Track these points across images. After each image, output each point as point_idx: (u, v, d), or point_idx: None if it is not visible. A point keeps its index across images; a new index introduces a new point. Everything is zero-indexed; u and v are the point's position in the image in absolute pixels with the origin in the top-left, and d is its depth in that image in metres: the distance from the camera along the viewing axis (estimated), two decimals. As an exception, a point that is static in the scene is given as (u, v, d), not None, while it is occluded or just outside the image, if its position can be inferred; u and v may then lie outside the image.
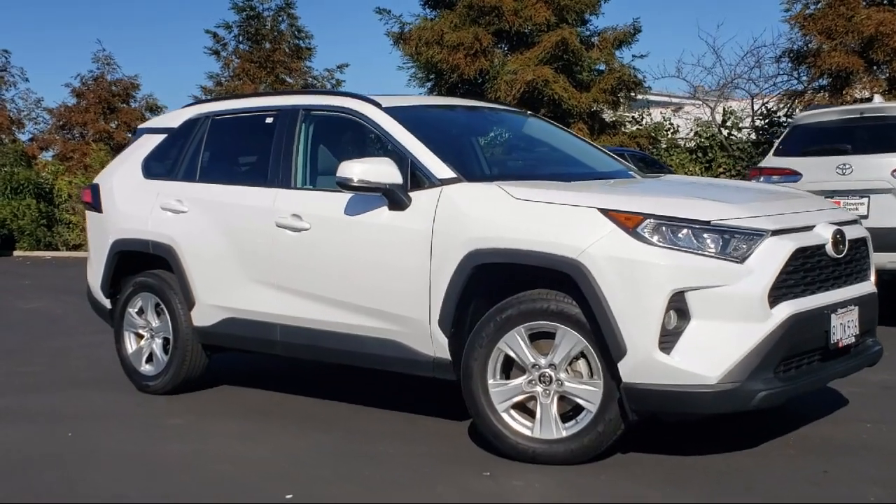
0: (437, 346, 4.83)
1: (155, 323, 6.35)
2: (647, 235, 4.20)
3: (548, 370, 4.46)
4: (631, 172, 5.89)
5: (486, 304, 4.73)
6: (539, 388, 4.48)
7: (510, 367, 4.61)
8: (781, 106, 15.31)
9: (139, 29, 57.85)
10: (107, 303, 6.67)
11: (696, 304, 4.12)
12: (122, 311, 6.51)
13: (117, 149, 24.50)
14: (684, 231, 4.20)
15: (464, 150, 5.62)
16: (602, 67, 17.09)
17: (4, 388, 6.74)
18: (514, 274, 4.61)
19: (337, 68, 22.70)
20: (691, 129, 16.46)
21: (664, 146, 16.44)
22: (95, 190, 6.77)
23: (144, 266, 6.41)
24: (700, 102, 16.56)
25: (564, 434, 4.43)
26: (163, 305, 6.24)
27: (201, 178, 6.16)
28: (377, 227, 5.05)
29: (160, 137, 6.58)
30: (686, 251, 4.16)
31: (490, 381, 4.58)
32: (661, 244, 4.18)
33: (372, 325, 5.12)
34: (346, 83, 22.59)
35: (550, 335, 4.47)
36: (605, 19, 28.58)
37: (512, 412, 4.56)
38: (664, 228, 4.21)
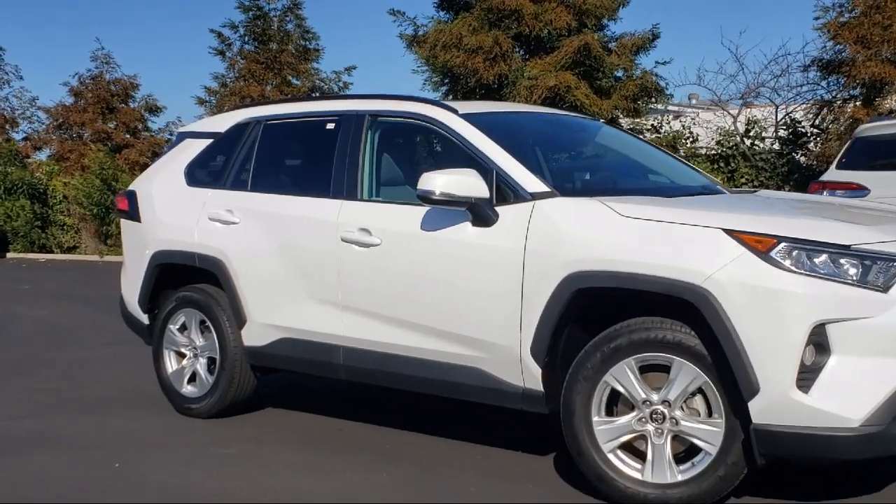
0: (528, 375, 4.43)
1: (199, 341, 5.92)
2: (781, 260, 3.80)
3: (660, 407, 4.05)
4: (719, 187, 5.49)
5: (581, 332, 4.34)
6: (650, 427, 4.08)
7: (615, 403, 4.20)
8: (810, 116, 14.95)
9: (138, 28, 57.03)
10: (144, 318, 6.23)
11: (838, 337, 3.73)
12: (161, 328, 6.07)
13: (116, 150, 24.03)
14: (822, 256, 3.81)
15: (551, 161, 5.22)
16: (619, 74, 16.72)
17: (29, 408, 6.30)
18: (620, 299, 4.21)
19: (345, 70, 22.24)
20: (712, 139, 16.10)
21: (683, 154, 16.08)
22: (132, 197, 6.33)
23: (187, 280, 6.00)
24: (721, 111, 16.18)
25: (680, 478, 4.02)
26: (208, 323, 5.82)
27: (254, 188, 5.74)
28: (459, 244, 4.64)
29: (204, 142, 6.15)
30: (825, 279, 3.76)
31: (595, 418, 4.17)
32: (798, 270, 3.78)
33: (451, 351, 4.71)
34: (353, 86, 22.15)
35: (663, 368, 4.07)
36: (622, 25, 27.99)
37: (619, 452, 4.15)
38: (800, 253, 3.81)
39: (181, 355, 6.04)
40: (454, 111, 5.02)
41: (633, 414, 4.11)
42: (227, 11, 32.34)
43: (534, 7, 15.36)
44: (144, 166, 24.69)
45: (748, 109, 16.15)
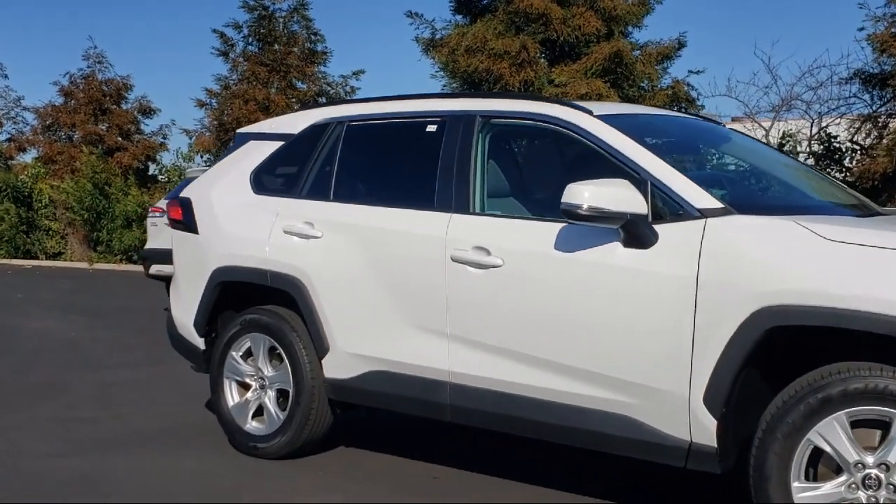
0: (697, 428, 3.72)
1: (268, 371, 5.18)
2: None
3: (876, 471, 3.36)
4: (872, 204, 4.83)
5: (758, 377, 3.66)
6: (862, 495, 3.39)
7: (814, 464, 3.50)
8: (852, 130, 14.34)
9: (132, 27, 55.45)
10: (199, 342, 5.49)
11: None
12: (222, 355, 5.33)
13: (108, 153, 23.15)
14: None
15: (712, 172, 4.53)
16: (644, 84, 16.11)
17: (67, 443, 5.54)
18: (817, 339, 3.53)
19: (353, 74, 21.45)
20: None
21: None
22: (187, 206, 5.59)
23: (254, 300, 5.27)
24: (752, 123, 15.58)
25: (901, 559, 3.33)
26: (280, 350, 5.08)
27: (337, 197, 5.02)
28: (607, 268, 3.94)
29: (273, 145, 5.43)
30: None
31: (794, 484, 3.48)
32: None
33: (592, 395, 4.01)
34: (361, 91, 21.38)
35: (876, 424, 3.38)
36: (646, 33, 27.34)
37: (823, 526, 3.46)
38: None
39: (245, 386, 5.31)
40: (589, 112, 4.33)
41: (842, 479, 3.42)
42: (230, 11, 31.29)
43: (562, 11, 14.74)
44: (138, 171, 23.88)
45: (781, 122, 15.53)
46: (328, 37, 20.44)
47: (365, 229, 4.78)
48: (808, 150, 15.06)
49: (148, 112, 24.78)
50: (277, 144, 5.41)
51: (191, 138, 21.74)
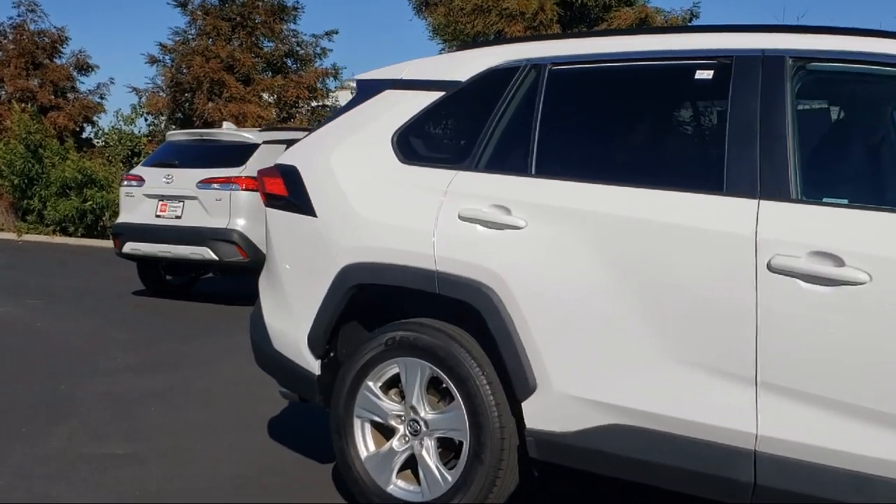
0: None
1: (425, 411, 3.71)
2: None
3: None
4: None
5: None
6: None
7: None
8: None
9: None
10: (313, 365, 3.96)
11: None
12: (353, 386, 3.84)
13: (41, 112, 20.94)
14: None
15: None
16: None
17: (113, 494, 3.99)
18: None
19: (325, 35, 19.59)
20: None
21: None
22: (293, 177, 4.06)
23: (399, 310, 3.79)
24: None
25: None
26: (449, 384, 3.61)
27: (543, 171, 3.55)
28: None
29: (427, 97, 3.92)
30: None
31: None
32: None
33: None
34: (332, 54, 19.61)
35: None
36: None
37: None
38: None
39: (386, 430, 3.82)
40: None
41: None
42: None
43: (582, -30, 13.34)
44: (74, 133, 21.68)
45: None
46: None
47: (600, 218, 3.32)
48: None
49: (85, 68, 22.48)
50: (434, 96, 3.90)
51: (140, 98, 19.70)
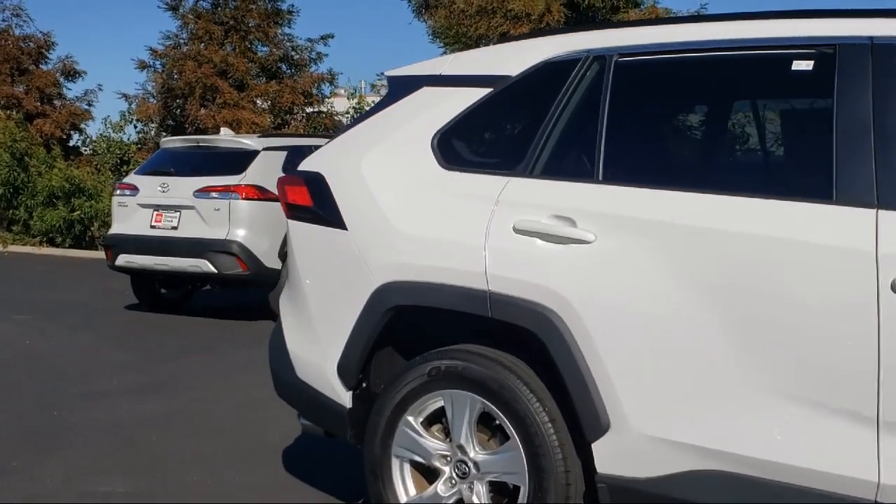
0: None
1: (475, 451, 3.26)
2: None
3: None
4: None
5: None
6: None
7: None
8: None
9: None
10: (344, 397, 3.50)
11: None
12: (390, 421, 3.38)
13: (28, 118, 20.40)
14: None
15: None
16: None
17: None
18: None
19: (320, 39, 19.13)
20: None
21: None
22: (318, 185, 3.61)
23: (443, 336, 3.35)
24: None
25: None
26: (504, 421, 3.16)
27: (611, 177, 3.11)
28: None
29: (472, 94, 3.47)
30: None
31: None
32: None
33: None
34: (328, 59, 19.18)
35: None
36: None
37: None
38: None
39: (429, 471, 3.37)
40: None
41: None
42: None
43: (588, -28, 12.97)
44: (61, 141, 21.13)
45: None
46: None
47: (683, 231, 2.87)
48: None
49: (72, 74, 21.96)
50: (480, 92, 3.45)
51: (130, 104, 19.18)
